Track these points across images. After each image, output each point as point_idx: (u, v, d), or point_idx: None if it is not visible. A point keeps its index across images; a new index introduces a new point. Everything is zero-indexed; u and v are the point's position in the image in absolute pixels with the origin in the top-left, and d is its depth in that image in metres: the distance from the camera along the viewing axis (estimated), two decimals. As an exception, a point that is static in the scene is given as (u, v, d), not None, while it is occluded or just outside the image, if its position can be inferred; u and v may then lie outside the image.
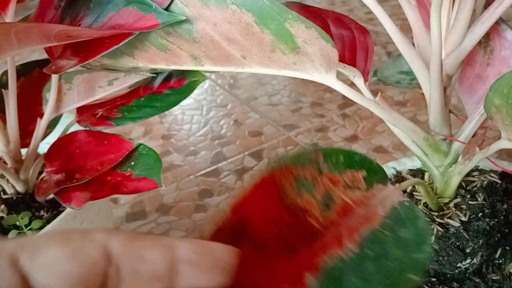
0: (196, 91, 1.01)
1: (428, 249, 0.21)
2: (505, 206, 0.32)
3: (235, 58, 0.27)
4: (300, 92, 0.97)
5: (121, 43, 0.27)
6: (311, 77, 0.27)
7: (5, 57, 0.34)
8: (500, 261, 0.32)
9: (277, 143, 0.83)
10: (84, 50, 0.31)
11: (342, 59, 0.34)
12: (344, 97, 0.29)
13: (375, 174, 0.25)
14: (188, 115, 0.94)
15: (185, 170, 0.79)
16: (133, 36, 0.27)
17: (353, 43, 0.35)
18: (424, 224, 0.22)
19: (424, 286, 0.32)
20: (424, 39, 0.30)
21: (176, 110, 0.96)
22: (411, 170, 0.35)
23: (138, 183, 0.36)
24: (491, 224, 0.31)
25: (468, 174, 0.33)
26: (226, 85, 1.04)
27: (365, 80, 0.32)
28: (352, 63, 0.34)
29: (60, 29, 0.28)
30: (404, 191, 0.35)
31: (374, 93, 0.30)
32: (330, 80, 0.27)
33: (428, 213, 0.32)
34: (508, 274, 0.31)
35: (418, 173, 0.34)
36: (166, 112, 0.95)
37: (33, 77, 0.46)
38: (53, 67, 0.32)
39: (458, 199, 0.31)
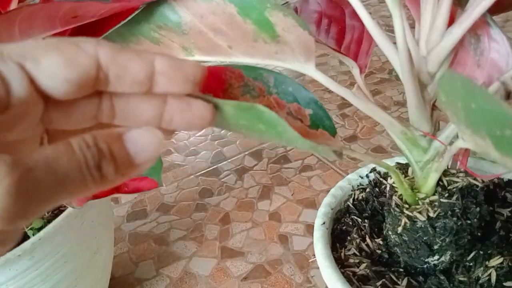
0: (196, 91, 1.01)
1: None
2: (478, 209, 0.32)
3: (222, 49, 0.29)
4: (300, 92, 0.98)
5: (129, 18, 0.29)
6: (293, 66, 0.28)
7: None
8: (471, 264, 0.32)
9: (277, 142, 0.83)
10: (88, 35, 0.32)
11: (347, 51, 0.35)
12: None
13: (322, 120, 0.27)
14: (188, 115, 0.95)
15: (185, 169, 0.80)
16: (140, 10, 0.29)
17: (361, 35, 0.36)
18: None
19: (391, 275, 0.33)
20: (408, 36, 0.30)
21: (176, 110, 0.96)
22: (399, 163, 0.36)
23: (139, 182, 0.36)
24: (458, 224, 0.31)
25: (453, 175, 0.33)
26: (226, 85, 1.04)
27: (362, 72, 0.33)
28: (355, 55, 0.35)
29: (67, 8, 0.29)
30: (385, 179, 0.35)
31: (374, 93, 0.30)
32: (309, 70, 0.28)
33: (400, 205, 0.32)
34: (476, 278, 0.31)
35: (405, 167, 0.35)
36: (166, 112, 0.96)
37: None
38: None
39: (435, 197, 0.31)
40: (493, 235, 0.33)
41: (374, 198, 0.39)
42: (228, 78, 0.26)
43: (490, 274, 0.30)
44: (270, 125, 0.20)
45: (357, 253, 0.35)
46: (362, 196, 0.40)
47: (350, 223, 0.38)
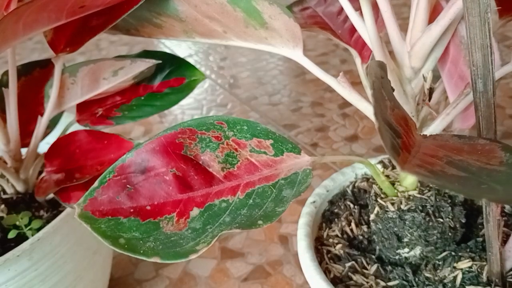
0: (196, 91, 1.01)
1: (285, 206, 0.25)
2: (450, 208, 0.32)
3: (218, 33, 0.31)
4: (300, 92, 0.97)
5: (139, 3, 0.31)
6: (282, 51, 0.30)
7: (10, 47, 0.34)
8: (440, 263, 0.32)
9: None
10: (99, 23, 0.34)
11: (355, 43, 0.37)
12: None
13: (284, 144, 0.28)
14: (188, 115, 0.94)
15: (185, 169, 0.79)
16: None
17: None
18: (304, 188, 0.26)
19: (363, 260, 0.34)
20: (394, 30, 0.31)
21: (176, 109, 0.96)
22: None
23: (138, 182, 0.36)
24: (427, 219, 0.31)
25: None
26: (226, 84, 1.04)
27: (363, 62, 0.34)
28: (361, 46, 0.36)
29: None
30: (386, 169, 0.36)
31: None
32: (297, 56, 0.30)
33: (378, 194, 0.33)
34: (441, 277, 0.31)
35: None
36: (166, 112, 0.95)
37: (33, 77, 0.46)
38: (68, 48, 0.36)
39: (415, 192, 0.32)
40: (471, 240, 0.34)
41: None
42: (182, 142, 0.27)
43: (456, 276, 0.31)
44: None
45: (339, 235, 0.36)
46: (363, 185, 0.40)
47: (343, 207, 0.39)
